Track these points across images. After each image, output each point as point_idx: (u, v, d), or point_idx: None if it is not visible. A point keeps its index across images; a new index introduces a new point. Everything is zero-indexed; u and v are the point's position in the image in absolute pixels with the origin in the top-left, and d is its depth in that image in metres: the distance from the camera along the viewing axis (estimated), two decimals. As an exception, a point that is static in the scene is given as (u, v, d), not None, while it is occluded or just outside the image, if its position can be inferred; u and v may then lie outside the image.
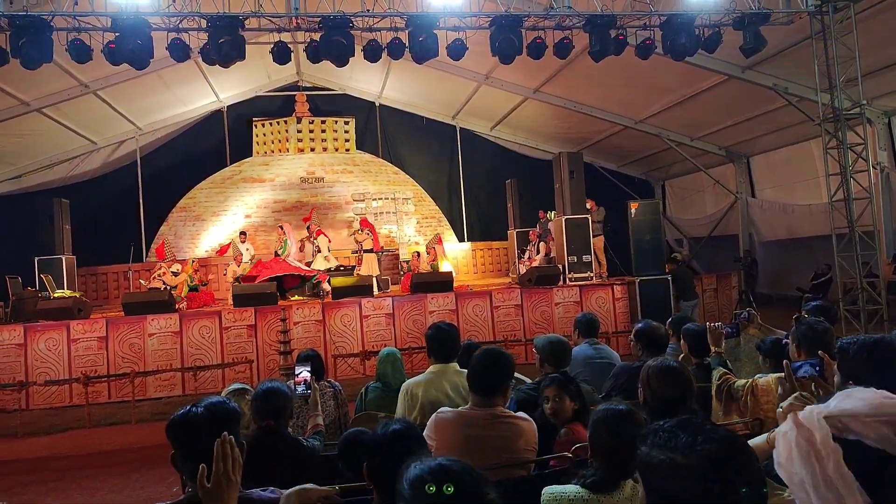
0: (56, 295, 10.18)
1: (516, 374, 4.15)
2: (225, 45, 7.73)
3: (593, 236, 11.49)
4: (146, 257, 14.46)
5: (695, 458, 1.10)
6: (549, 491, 2.03)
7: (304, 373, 3.55)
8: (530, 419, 2.85)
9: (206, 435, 1.87)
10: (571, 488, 2.03)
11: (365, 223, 13.87)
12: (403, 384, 3.73)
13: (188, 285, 11.38)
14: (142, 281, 12.02)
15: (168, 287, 10.81)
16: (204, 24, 7.87)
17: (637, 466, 1.21)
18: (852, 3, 8.27)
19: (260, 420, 2.88)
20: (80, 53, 7.65)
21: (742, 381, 3.16)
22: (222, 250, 12.32)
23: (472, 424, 2.71)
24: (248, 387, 3.79)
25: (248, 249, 12.59)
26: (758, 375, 3.28)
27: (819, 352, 2.59)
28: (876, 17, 8.43)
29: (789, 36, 9.13)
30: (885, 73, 9.40)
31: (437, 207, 16.68)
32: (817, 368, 2.45)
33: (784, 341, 3.31)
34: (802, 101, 10.45)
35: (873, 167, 9.59)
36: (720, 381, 3.24)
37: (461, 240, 16.51)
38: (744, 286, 11.50)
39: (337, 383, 4.48)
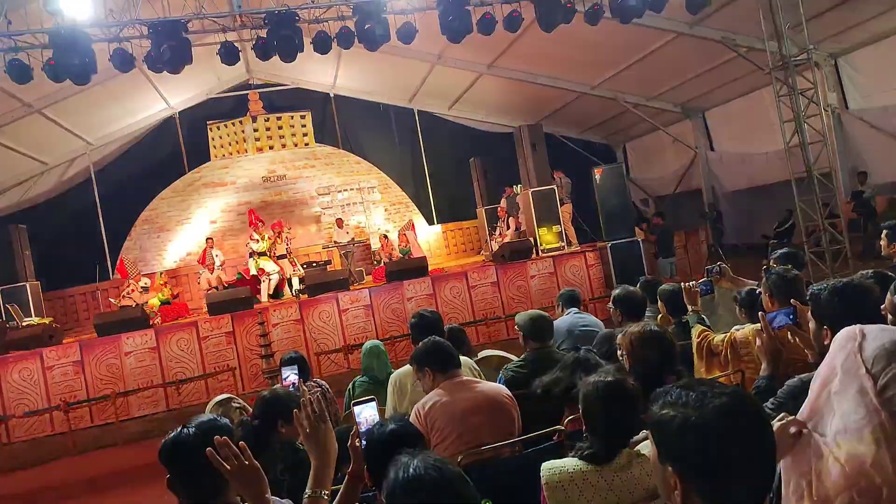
0: (25, 323, 9.93)
1: (502, 353, 4.21)
2: (169, 51, 7.54)
3: (561, 206, 11.57)
4: (113, 274, 14.16)
5: (706, 412, 1.15)
6: (547, 466, 2.06)
7: (291, 376, 3.54)
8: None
9: (200, 455, 1.86)
10: (570, 461, 2.06)
11: (278, 226, 12.63)
12: (392, 376, 3.75)
13: (159, 299, 11.20)
14: (111, 299, 11.78)
15: (139, 304, 10.61)
16: (145, 30, 7.66)
17: (650, 426, 1.26)
18: (791, -51, 8.38)
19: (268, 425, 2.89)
20: (20, 74, 7.39)
21: (720, 336, 3.23)
22: (202, 259, 12.07)
23: (454, 396, 2.85)
24: (232, 396, 3.78)
25: (217, 255, 12.40)
26: (735, 327, 3.37)
27: (791, 300, 2.66)
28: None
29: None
30: (828, 16, 9.55)
31: (403, 193, 16.60)
32: (791, 317, 2.53)
33: (757, 291, 3.39)
34: (751, 52, 10.59)
35: (825, 110, 9.80)
36: (699, 339, 3.31)
37: (431, 223, 16.48)
38: (711, 240, 11.72)
39: (323, 382, 4.48)
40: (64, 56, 7.29)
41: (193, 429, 1.94)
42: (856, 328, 1.30)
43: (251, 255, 11.83)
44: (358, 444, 2.14)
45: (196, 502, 1.88)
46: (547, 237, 11.17)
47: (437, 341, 3.11)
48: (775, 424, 1.36)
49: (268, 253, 11.73)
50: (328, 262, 12.78)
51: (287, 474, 2.72)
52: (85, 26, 7.39)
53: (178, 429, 1.96)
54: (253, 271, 11.71)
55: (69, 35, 7.29)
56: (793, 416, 1.41)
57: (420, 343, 3.17)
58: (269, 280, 11.44)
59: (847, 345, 1.28)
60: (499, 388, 3.06)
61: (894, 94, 10.02)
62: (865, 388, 1.23)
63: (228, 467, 1.67)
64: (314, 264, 12.37)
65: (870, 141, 10.52)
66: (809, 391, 1.37)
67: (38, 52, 7.50)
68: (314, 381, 4.36)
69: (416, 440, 2.00)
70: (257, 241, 11.78)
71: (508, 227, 12.66)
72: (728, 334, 3.19)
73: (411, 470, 1.34)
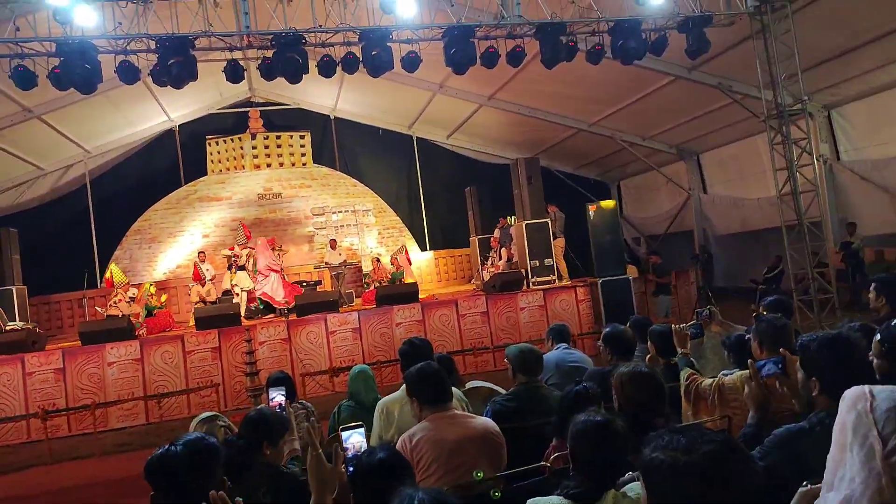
0: (8, 327, 9.82)
1: (490, 385, 4.21)
2: (175, 66, 7.61)
3: (553, 240, 11.64)
4: (100, 283, 14.06)
5: (696, 457, 1.17)
6: (532, 502, 2.07)
7: (278, 397, 3.52)
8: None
9: (185, 474, 1.85)
10: (555, 499, 2.06)
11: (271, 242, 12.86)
12: (379, 402, 3.73)
13: (146, 309, 11.13)
14: (98, 308, 11.68)
15: (125, 314, 10.53)
16: (153, 45, 7.73)
17: (640, 468, 1.28)
18: (789, 2, 8.59)
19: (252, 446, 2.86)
20: (25, 80, 7.41)
21: (709, 381, 3.25)
22: (195, 275, 12.03)
23: (441, 430, 2.81)
24: (217, 414, 3.74)
25: (208, 269, 12.36)
26: (723, 372, 3.39)
27: (780, 349, 2.69)
28: (812, 13, 8.77)
29: (731, 36, 9.44)
30: (823, 68, 9.78)
31: (397, 218, 16.66)
32: (780, 366, 2.55)
33: (746, 337, 3.42)
34: (746, 99, 10.81)
35: (817, 160, 9.97)
36: (688, 382, 3.33)
37: (423, 249, 16.52)
38: (702, 281, 11.80)
39: (309, 404, 4.45)
40: (70, 65, 7.33)
41: (181, 447, 1.93)
42: (865, 389, 1.31)
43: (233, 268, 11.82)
44: (343, 469, 2.14)
45: None
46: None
47: (432, 372, 3.02)
48: (799, 492, 1.39)
49: (245, 267, 11.77)
50: (318, 283, 12.76)
51: (269, 497, 2.69)
52: (93, 37, 7.45)
53: (166, 446, 1.95)
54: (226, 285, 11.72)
55: (77, 45, 7.35)
56: (817, 485, 1.42)
57: (414, 368, 3.08)
58: (240, 296, 11.47)
59: (857, 405, 1.29)
60: (488, 424, 3.00)
61: (885, 147, 10.23)
62: (874, 450, 1.24)
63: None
64: (304, 284, 12.34)
65: (860, 192, 10.71)
66: (828, 459, 1.37)
67: (43, 59, 7.54)
68: (300, 403, 4.32)
69: (404, 471, 1.99)
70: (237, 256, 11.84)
71: (500, 258, 12.72)
72: (716, 379, 3.21)
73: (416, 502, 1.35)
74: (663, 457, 1.21)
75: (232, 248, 12.30)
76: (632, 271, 11.51)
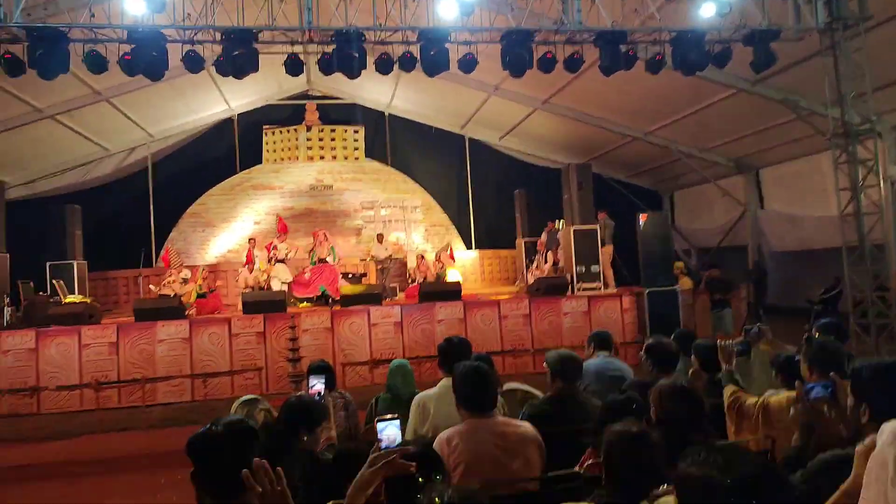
0: (67, 300, 10.27)
1: (527, 388, 4.20)
2: (239, 58, 7.82)
3: (602, 247, 11.50)
4: (156, 262, 14.56)
5: (731, 477, 1.17)
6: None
7: (318, 385, 3.60)
8: (531, 425, 2.94)
9: (225, 453, 1.92)
10: (586, 508, 2.05)
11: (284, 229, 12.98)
12: (416, 397, 3.77)
13: (196, 292, 11.47)
14: (151, 286, 12.11)
15: (177, 294, 10.88)
16: (218, 36, 7.97)
17: (675, 480, 1.27)
18: (861, 20, 8.28)
19: (290, 431, 2.92)
20: (96, 64, 7.74)
21: (753, 399, 3.18)
22: (248, 257, 12.33)
23: (478, 438, 2.76)
24: (258, 397, 3.84)
25: (258, 256, 12.65)
26: (769, 392, 3.31)
27: (831, 374, 2.61)
28: (885, 32, 8.44)
29: (798, 51, 9.14)
30: (893, 88, 9.39)
31: (445, 215, 16.74)
32: (829, 390, 2.48)
33: (796, 357, 3.33)
34: (812, 116, 10.44)
35: (883, 181, 9.57)
36: (731, 399, 3.26)
37: (469, 248, 16.55)
38: (753, 298, 11.47)
39: (348, 394, 4.52)
40: (140, 53, 7.63)
41: (222, 427, 2.00)
42: None
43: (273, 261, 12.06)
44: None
45: (214, 498, 1.93)
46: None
47: (477, 378, 2.89)
48: None
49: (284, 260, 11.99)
50: (364, 275, 12.93)
51: (303, 483, 2.76)
52: (162, 27, 7.73)
53: (208, 425, 2.02)
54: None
55: (147, 34, 7.63)
56: None
57: (463, 367, 2.99)
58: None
59: None
60: (528, 434, 2.89)
61: (957, 173, 9.75)
62: None
63: (260, 490, 1.71)
64: (350, 276, 12.53)
65: (927, 217, 10.22)
66: (864, 487, 1.34)
67: (115, 45, 7.86)
68: (338, 392, 4.39)
69: (437, 466, 2.02)
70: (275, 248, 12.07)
71: (546, 262, 12.63)
72: (762, 398, 3.14)
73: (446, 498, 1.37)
74: (699, 473, 1.20)
75: (271, 244, 12.55)
76: (685, 283, 11.24)
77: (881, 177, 9.35)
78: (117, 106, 12.04)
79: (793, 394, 2.62)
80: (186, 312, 10.13)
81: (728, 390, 3.34)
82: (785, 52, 8.77)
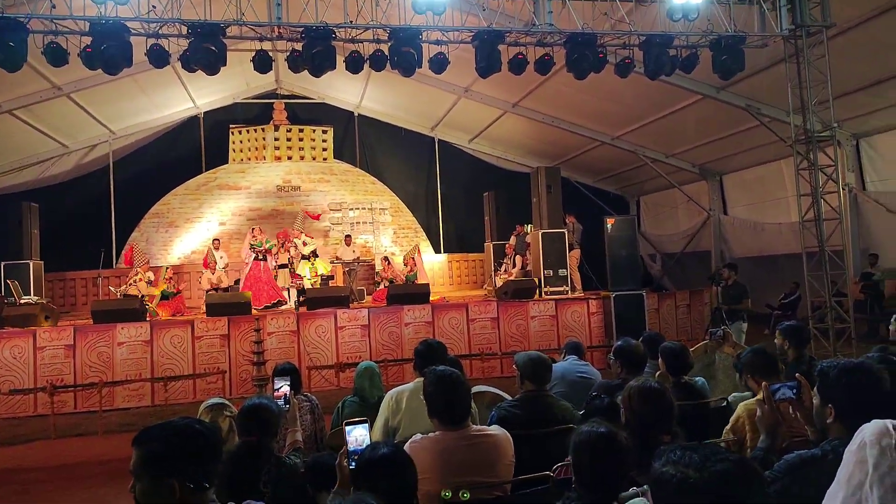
0: (23, 301, 9.94)
1: (496, 390, 4.18)
2: (206, 53, 7.66)
3: (569, 250, 11.57)
4: (116, 263, 14.20)
5: (707, 475, 1.15)
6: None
7: (283, 387, 3.50)
8: (503, 430, 2.86)
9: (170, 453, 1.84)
10: (556, 511, 2.02)
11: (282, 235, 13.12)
12: (389, 391, 3.72)
13: (161, 293, 11.22)
14: (111, 288, 11.79)
15: (141, 295, 10.61)
16: (184, 30, 7.78)
17: (650, 481, 1.25)
18: (825, 28, 8.49)
19: (246, 435, 2.84)
20: (56, 57, 7.49)
21: (734, 415, 3.19)
22: (204, 261, 12.10)
23: (449, 449, 2.68)
24: (226, 402, 3.72)
25: (221, 257, 12.44)
26: (733, 396, 3.33)
27: (797, 374, 2.63)
28: (847, 41, 8.67)
29: (763, 58, 9.34)
30: (855, 97, 9.66)
31: (413, 218, 16.68)
32: (794, 391, 2.50)
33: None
34: (774, 122, 10.69)
35: (842, 188, 9.83)
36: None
37: (437, 251, 16.51)
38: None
39: (314, 397, 4.44)
40: (101, 45, 7.39)
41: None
42: (887, 424, 1.27)
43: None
44: (346, 463, 2.12)
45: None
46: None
47: (452, 387, 2.76)
48: None
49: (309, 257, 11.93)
50: (331, 278, 12.78)
51: (269, 487, 2.68)
52: (126, 19, 7.52)
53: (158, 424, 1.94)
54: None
55: (110, 26, 7.41)
56: None
57: (438, 372, 2.87)
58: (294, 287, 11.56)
59: (882, 441, 1.25)
60: (500, 442, 2.79)
61: (912, 180, 10.08)
62: None
63: None
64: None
65: (883, 224, 10.55)
66: (837, 485, 1.33)
67: (76, 38, 7.62)
68: (304, 395, 4.31)
69: (406, 467, 1.97)
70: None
71: (514, 265, 12.66)
72: (738, 411, 3.15)
73: None
74: (674, 472, 1.18)
75: (288, 242, 12.39)
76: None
77: (840, 184, 9.60)
78: (77, 101, 11.72)
79: (759, 397, 2.63)
80: (148, 317, 9.87)
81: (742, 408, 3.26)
82: (749, 59, 8.94)
